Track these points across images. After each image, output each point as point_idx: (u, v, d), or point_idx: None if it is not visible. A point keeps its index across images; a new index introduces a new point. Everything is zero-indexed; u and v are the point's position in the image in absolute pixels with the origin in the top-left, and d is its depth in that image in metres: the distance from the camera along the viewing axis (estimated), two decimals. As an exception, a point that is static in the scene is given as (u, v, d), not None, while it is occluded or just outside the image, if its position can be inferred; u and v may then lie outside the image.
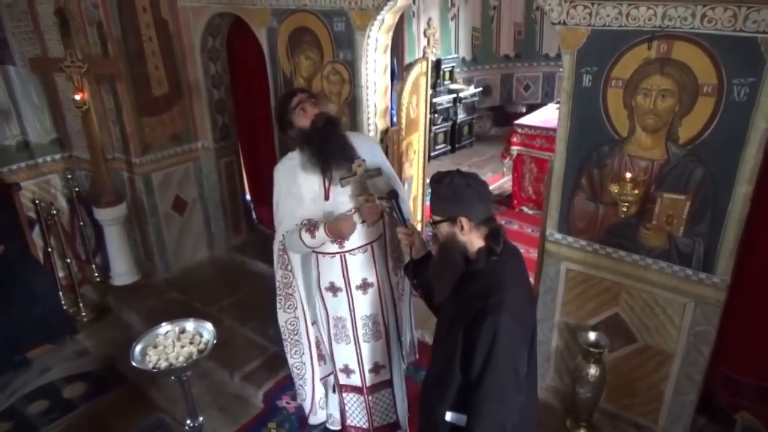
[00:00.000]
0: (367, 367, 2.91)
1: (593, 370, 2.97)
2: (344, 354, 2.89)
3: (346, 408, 3.06)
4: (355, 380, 2.95)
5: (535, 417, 2.05)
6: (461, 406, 1.81)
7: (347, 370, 2.94)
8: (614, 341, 3.03)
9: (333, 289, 2.77)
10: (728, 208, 2.53)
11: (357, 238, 2.65)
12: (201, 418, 2.82)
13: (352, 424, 3.09)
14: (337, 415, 3.16)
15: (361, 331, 2.82)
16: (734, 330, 2.88)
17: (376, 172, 2.52)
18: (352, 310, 2.78)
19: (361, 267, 2.72)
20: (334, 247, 2.66)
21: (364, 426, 3.06)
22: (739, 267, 2.69)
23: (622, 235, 2.89)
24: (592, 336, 3.01)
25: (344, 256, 2.68)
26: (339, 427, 3.16)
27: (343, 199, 2.58)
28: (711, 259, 2.65)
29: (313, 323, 2.93)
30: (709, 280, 2.69)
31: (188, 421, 2.78)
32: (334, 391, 3.12)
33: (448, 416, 1.85)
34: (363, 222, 2.60)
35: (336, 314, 2.82)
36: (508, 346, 1.70)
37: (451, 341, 1.81)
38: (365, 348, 2.86)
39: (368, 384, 2.95)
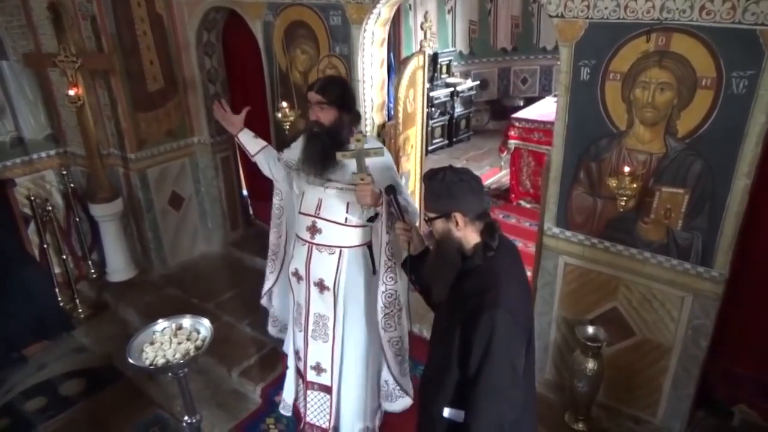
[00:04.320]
0: (309, 362, 2.95)
1: (591, 364, 2.97)
2: (297, 339, 3.00)
3: (299, 390, 3.14)
4: (301, 366, 3.04)
5: (533, 412, 2.04)
6: (459, 402, 1.81)
7: (297, 355, 3.05)
8: (612, 335, 3.03)
9: (297, 275, 2.86)
10: (727, 201, 2.52)
11: (327, 236, 2.71)
12: (199, 414, 2.81)
13: (299, 406, 3.18)
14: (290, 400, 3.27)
15: (311, 327, 2.89)
16: (732, 323, 2.88)
17: (376, 151, 2.44)
18: (307, 302, 2.85)
19: (322, 266, 2.77)
20: (306, 235, 2.76)
21: (301, 411, 3.14)
22: (738, 260, 2.69)
23: (620, 229, 2.88)
24: (590, 330, 3.01)
25: (312, 247, 2.76)
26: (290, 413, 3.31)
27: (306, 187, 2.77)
28: (709, 253, 2.64)
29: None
30: (707, 274, 2.68)
31: (186, 417, 2.76)
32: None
33: (446, 412, 1.85)
34: (363, 206, 2.60)
35: (297, 300, 2.93)
36: (505, 342, 1.69)
37: (448, 338, 1.80)
38: (311, 343, 2.92)
39: (308, 378, 3.00)
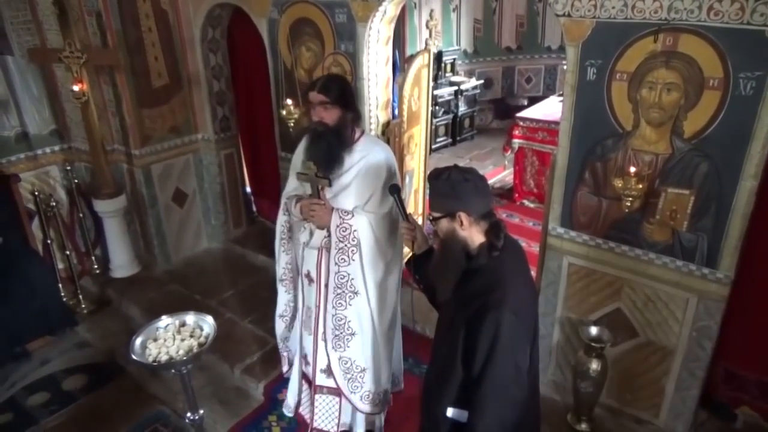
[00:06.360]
0: (319, 365, 2.89)
1: (595, 365, 2.97)
2: (306, 343, 2.96)
3: (302, 396, 3.12)
4: (309, 372, 2.99)
5: (537, 412, 2.04)
6: (462, 401, 1.80)
7: (306, 360, 3.01)
8: (616, 336, 3.02)
9: (309, 278, 2.83)
10: (733, 203, 2.51)
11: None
12: (201, 411, 2.80)
13: (302, 413, 3.15)
14: (293, 403, 3.23)
15: (320, 329, 2.83)
16: (736, 325, 2.87)
17: (325, 182, 2.54)
18: (318, 305, 2.81)
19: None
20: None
21: (307, 420, 3.08)
22: (743, 262, 2.67)
23: (625, 229, 2.87)
24: (593, 331, 3.00)
25: (321, 250, 2.73)
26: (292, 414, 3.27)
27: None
28: (715, 255, 2.64)
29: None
30: (712, 276, 2.67)
31: (188, 414, 2.76)
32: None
33: (450, 412, 1.85)
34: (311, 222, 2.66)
35: (308, 303, 2.89)
36: (510, 342, 1.68)
37: (452, 337, 1.80)
38: (321, 346, 2.85)
39: (316, 382, 2.94)
